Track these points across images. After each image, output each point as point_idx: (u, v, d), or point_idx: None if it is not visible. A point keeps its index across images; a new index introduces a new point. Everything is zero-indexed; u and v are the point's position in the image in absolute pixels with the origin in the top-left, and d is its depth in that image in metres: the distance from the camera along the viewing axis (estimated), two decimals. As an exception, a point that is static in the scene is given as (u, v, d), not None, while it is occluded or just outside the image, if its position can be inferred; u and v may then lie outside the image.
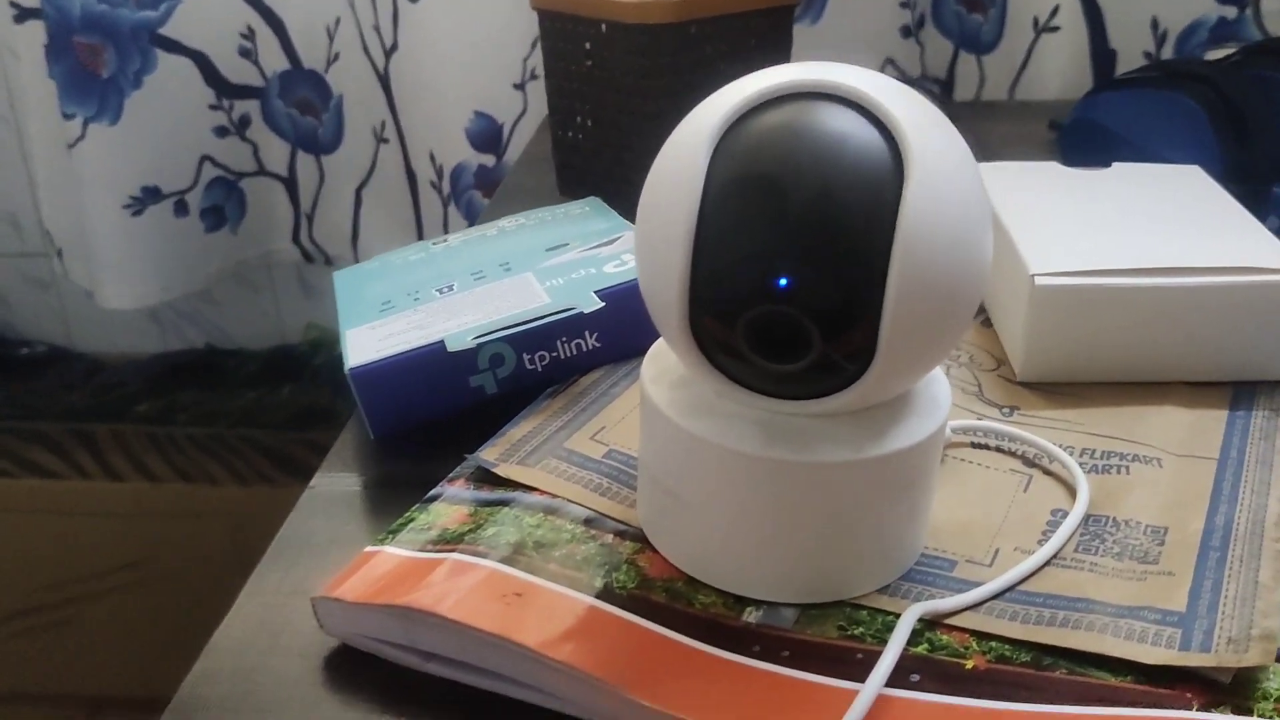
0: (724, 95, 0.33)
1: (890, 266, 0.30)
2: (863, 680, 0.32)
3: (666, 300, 0.32)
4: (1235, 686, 0.32)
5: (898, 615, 0.35)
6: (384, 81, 1.08)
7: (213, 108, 1.13)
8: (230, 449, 1.20)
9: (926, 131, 0.31)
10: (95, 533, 1.22)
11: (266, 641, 0.36)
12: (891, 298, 0.30)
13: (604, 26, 0.64)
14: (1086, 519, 0.39)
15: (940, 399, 0.36)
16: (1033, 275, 0.46)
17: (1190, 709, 0.31)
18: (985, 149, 0.84)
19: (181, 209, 1.15)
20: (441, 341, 0.45)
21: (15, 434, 1.25)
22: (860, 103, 0.31)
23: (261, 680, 0.35)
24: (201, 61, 1.10)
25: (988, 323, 0.53)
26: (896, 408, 0.35)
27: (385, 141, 1.12)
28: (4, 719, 1.15)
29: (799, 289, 0.30)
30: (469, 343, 0.45)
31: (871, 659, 0.33)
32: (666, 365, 0.38)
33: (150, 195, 1.12)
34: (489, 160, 1.06)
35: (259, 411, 1.25)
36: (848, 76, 0.32)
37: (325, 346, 1.31)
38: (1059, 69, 1.03)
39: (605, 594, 0.35)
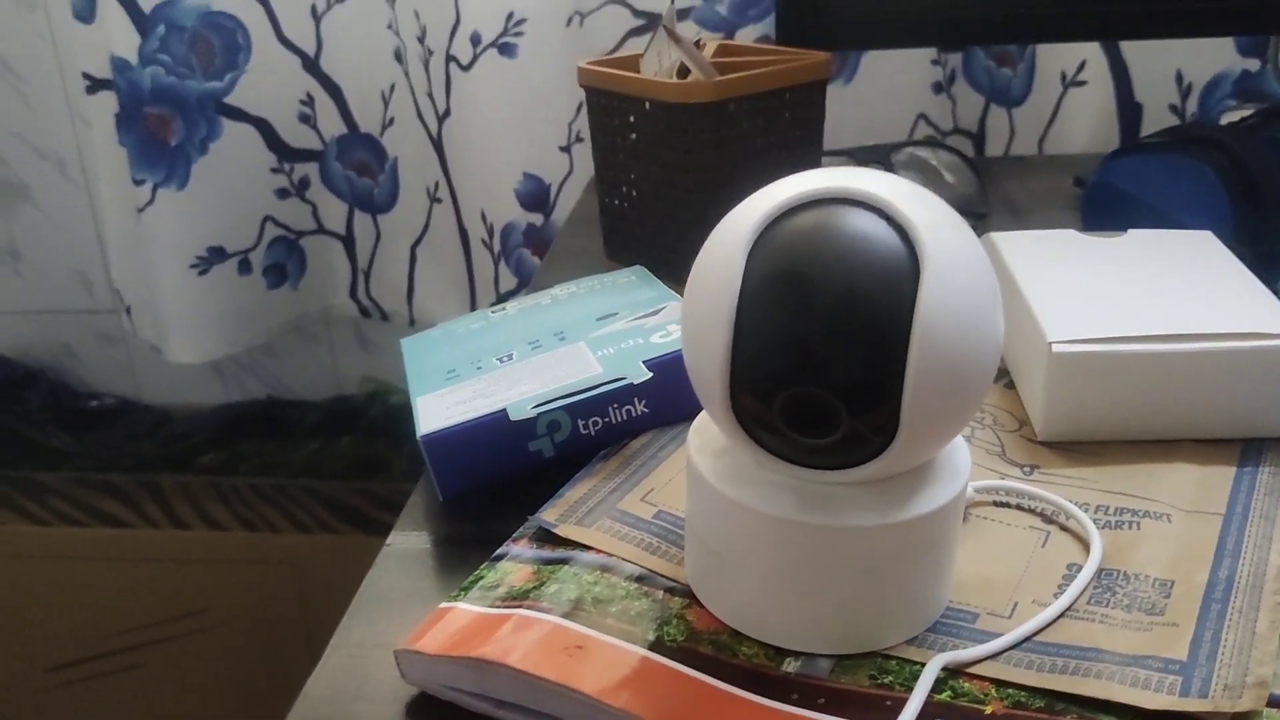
0: (759, 199, 0.37)
1: (909, 353, 0.34)
2: (891, 724, 0.35)
3: (710, 379, 0.36)
4: (1231, 729, 0.35)
5: (924, 665, 0.38)
6: (437, 144, 1.13)
7: (274, 171, 1.19)
8: (291, 498, 1.25)
9: (939, 231, 0.35)
10: (162, 580, 1.27)
11: (354, 690, 0.40)
12: (911, 380, 0.34)
13: (647, 104, 0.69)
14: (1099, 573, 0.42)
15: (960, 466, 0.40)
16: (1050, 343, 0.49)
17: (1189, 750, 0.34)
18: (1013, 207, 0.87)
19: (245, 267, 1.20)
20: (504, 410, 0.49)
21: (86, 484, 1.30)
22: (879, 206, 0.35)
23: (350, 725, 0.39)
24: (263, 128, 1.16)
25: (1011, 385, 0.56)
26: (920, 475, 0.39)
27: (439, 201, 1.17)
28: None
29: (827, 373, 0.34)
30: (529, 411, 0.49)
31: (900, 705, 0.36)
32: (710, 436, 0.41)
33: (215, 255, 1.18)
34: (537, 219, 1.11)
35: (319, 462, 1.30)
36: (868, 183, 0.36)
37: (381, 398, 1.35)
38: (1086, 123, 1.06)
39: (657, 646, 0.39)
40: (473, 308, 1.20)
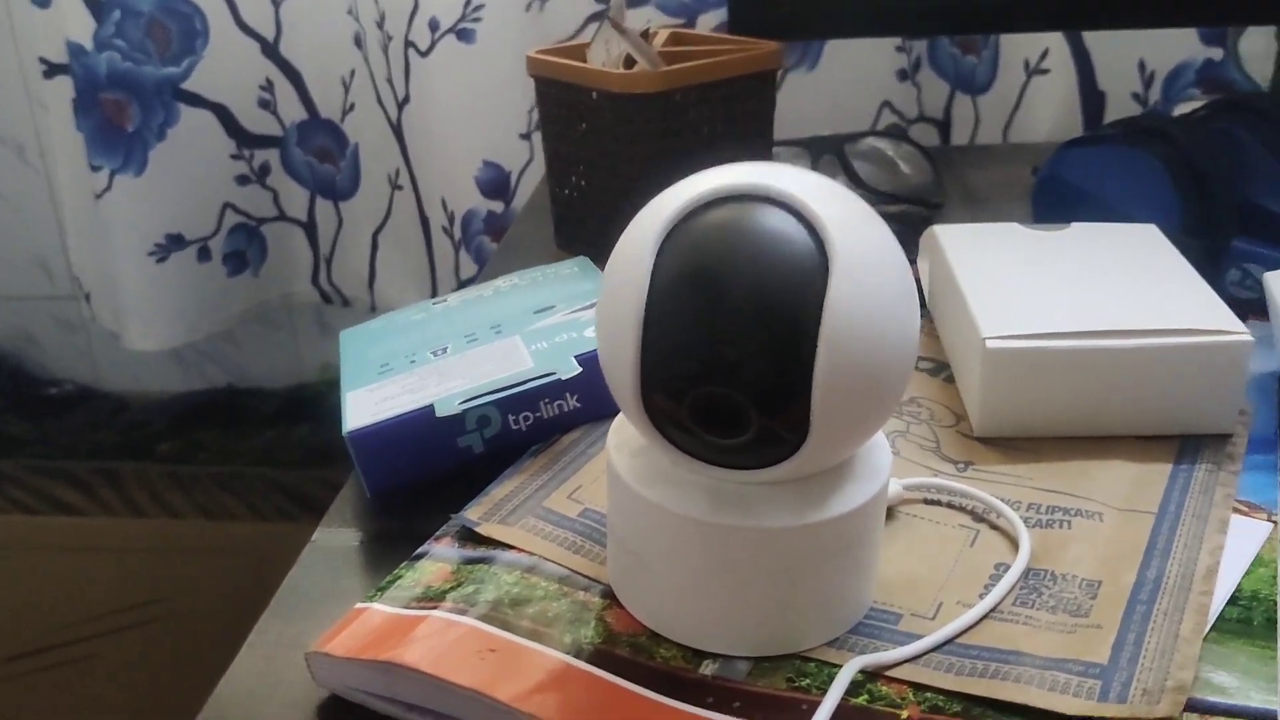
0: (669, 196, 0.36)
1: (817, 352, 0.33)
2: (805, 729, 0.35)
3: (621, 378, 0.36)
4: (1146, 735, 0.34)
5: (841, 666, 0.38)
6: (397, 131, 1.12)
7: (234, 157, 1.17)
8: (249, 486, 1.24)
9: (851, 228, 0.34)
10: (119, 568, 1.26)
11: (266, 690, 0.40)
12: (820, 380, 0.33)
13: (594, 94, 0.68)
14: (1027, 573, 0.42)
15: (880, 465, 0.39)
16: (984, 339, 0.49)
17: (1103, 756, 0.34)
18: (971, 196, 0.87)
19: (204, 255, 1.19)
20: (431, 406, 0.49)
21: (43, 472, 1.29)
22: (790, 204, 0.34)
23: (258, 729, 0.38)
24: (222, 113, 1.15)
25: (950, 379, 0.56)
26: (838, 474, 0.38)
27: (400, 189, 1.16)
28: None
29: (735, 373, 0.33)
30: (456, 408, 0.48)
31: (815, 709, 0.36)
32: (628, 435, 0.41)
33: (174, 242, 1.17)
34: (498, 207, 1.10)
35: (277, 450, 1.29)
36: (780, 179, 0.35)
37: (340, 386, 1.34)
38: (1050, 111, 1.06)
39: (574, 649, 0.38)
40: (434, 294, 1.19)
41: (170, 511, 1.23)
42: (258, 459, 1.28)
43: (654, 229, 0.35)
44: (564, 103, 0.71)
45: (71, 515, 1.24)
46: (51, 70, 1.15)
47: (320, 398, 1.34)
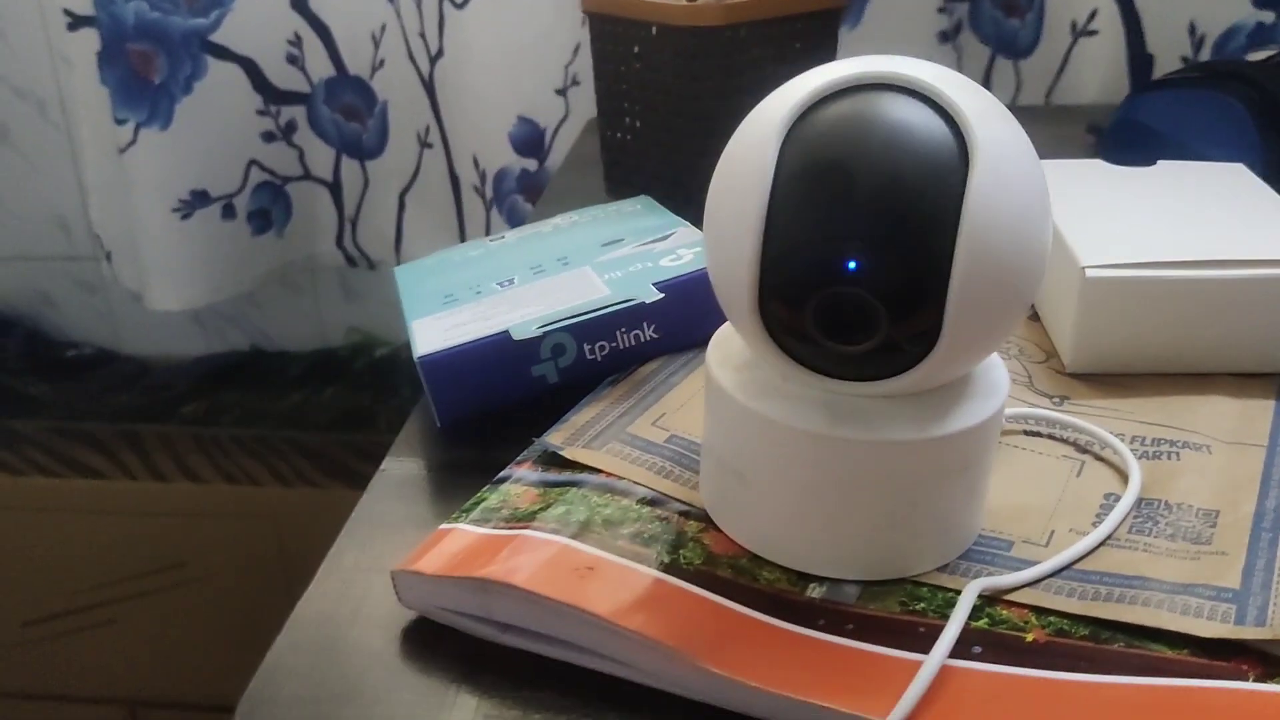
0: (792, 87, 0.34)
1: (955, 251, 0.31)
2: (926, 652, 0.33)
3: (736, 284, 0.34)
4: (1290, 658, 0.33)
5: (958, 592, 0.36)
6: (428, 87, 1.10)
7: (260, 113, 1.15)
8: (273, 450, 1.22)
9: (990, 121, 0.32)
10: (140, 533, 1.24)
11: (347, 614, 0.38)
12: (956, 281, 0.31)
13: (654, 29, 0.66)
14: (1139, 502, 0.40)
15: (999, 383, 0.37)
16: (1083, 268, 0.47)
17: (1246, 680, 0.32)
18: (1025, 152, 0.84)
19: (229, 212, 1.17)
20: (506, 331, 0.47)
21: (63, 434, 1.27)
22: (925, 93, 0.32)
23: (344, 650, 0.36)
24: (250, 67, 1.12)
25: (1035, 316, 0.54)
26: (957, 390, 0.36)
27: (429, 147, 1.14)
28: (45, 719, 1.17)
29: (867, 271, 0.31)
30: (534, 331, 0.46)
31: (934, 633, 0.34)
32: (731, 350, 0.39)
33: (199, 199, 1.14)
34: (531, 165, 1.08)
35: (302, 414, 1.27)
36: (913, 68, 0.33)
37: (366, 350, 1.32)
38: (1096, 73, 1.04)
39: (673, 569, 0.37)
40: (463, 257, 1.17)
41: (192, 476, 1.21)
42: (282, 423, 1.26)
43: (778, 119, 0.33)
44: (620, 39, 0.69)
45: (92, 478, 1.22)
46: (76, 22, 1.13)
47: (346, 361, 1.32)
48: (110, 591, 1.26)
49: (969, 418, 0.35)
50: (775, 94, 0.35)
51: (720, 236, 0.34)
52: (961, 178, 0.31)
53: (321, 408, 1.28)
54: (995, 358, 0.39)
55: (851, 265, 0.31)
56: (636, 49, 0.68)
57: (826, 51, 0.70)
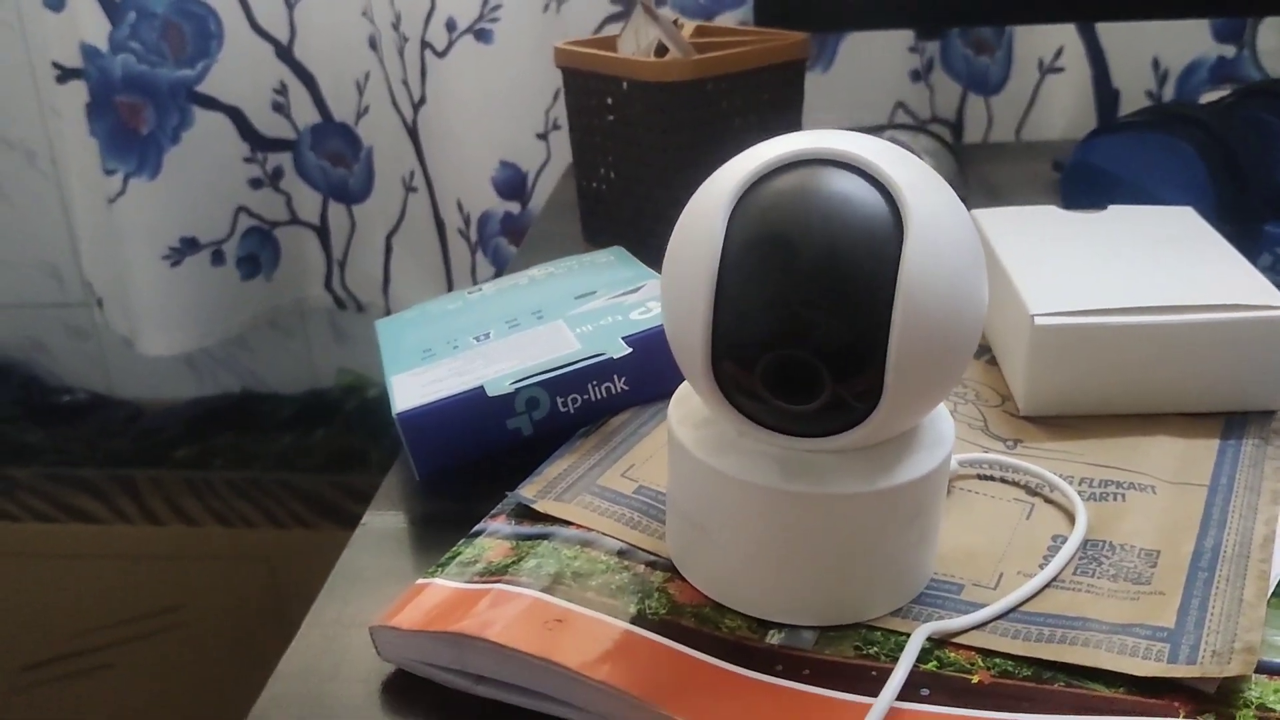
0: (740, 161, 0.36)
1: (893, 314, 0.33)
2: (877, 695, 0.35)
3: (691, 346, 0.36)
4: (1220, 695, 0.34)
5: (909, 635, 0.38)
6: (412, 133, 1.12)
7: (247, 160, 1.17)
8: (266, 492, 1.23)
9: (923, 192, 0.34)
10: (135, 576, 1.25)
11: (329, 668, 0.39)
12: (895, 342, 0.33)
13: (625, 84, 0.68)
14: (1085, 544, 0.42)
15: (945, 434, 0.39)
16: (1032, 315, 0.49)
17: (1177, 717, 0.34)
18: (993, 191, 0.87)
19: (218, 258, 1.19)
20: (481, 386, 0.49)
21: (57, 480, 1.28)
22: (862, 167, 0.35)
23: (327, 704, 0.38)
24: (236, 116, 1.15)
25: (992, 361, 0.56)
26: (904, 442, 0.38)
27: (414, 191, 1.16)
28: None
29: (810, 336, 0.33)
30: (507, 387, 0.48)
31: (885, 675, 0.36)
32: (691, 408, 0.41)
33: (188, 246, 1.17)
34: (514, 208, 1.10)
35: (293, 456, 1.29)
36: (851, 144, 0.35)
37: (357, 391, 1.34)
38: (1064, 109, 1.06)
39: (639, 619, 0.38)
40: (449, 298, 1.19)
41: (186, 518, 1.23)
42: (274, 465, 1.28)
43: (727, 193, 0.35)
44: (592, 93, 0.71)
45: (87, 523, 1.24)
46: (65, 75, 1.15)
47: (337, 403, 1.34)
48: (107, 635, 1.27)
49: (916, 469, 0.37)
50: (725, 167, 0.37)
51: (675, 301, 0.36)
52: (896, 246, 0.33)
53: (313, 449, 1.30)
54: (942, 409, 0.41)
55: (796, 330, 0.33)
56: (609, 101, 0.71)
57: (793, 101, 0.73)
